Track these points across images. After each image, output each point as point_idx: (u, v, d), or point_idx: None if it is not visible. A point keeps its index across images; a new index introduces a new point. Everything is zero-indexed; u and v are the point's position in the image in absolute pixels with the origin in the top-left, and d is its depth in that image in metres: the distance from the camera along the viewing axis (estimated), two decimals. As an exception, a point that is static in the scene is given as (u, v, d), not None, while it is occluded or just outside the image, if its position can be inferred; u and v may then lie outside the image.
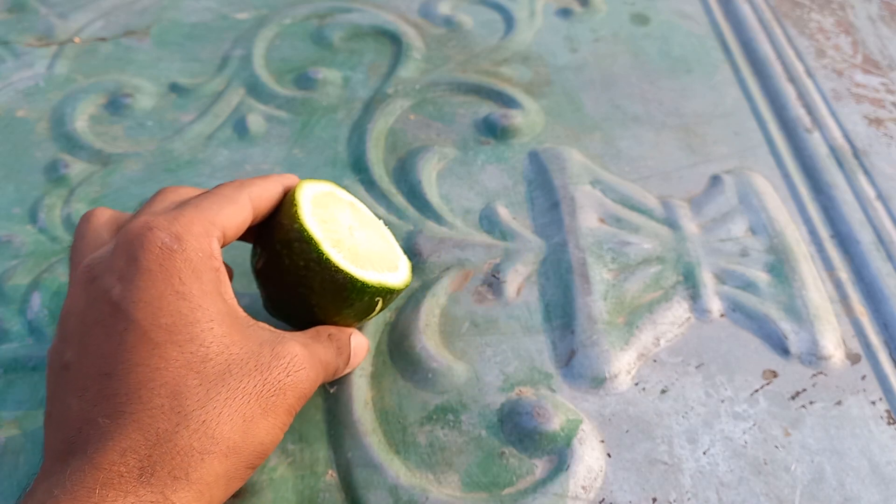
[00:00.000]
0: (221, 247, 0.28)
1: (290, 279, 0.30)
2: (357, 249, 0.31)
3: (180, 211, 0.28)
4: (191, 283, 0.26)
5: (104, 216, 0.30)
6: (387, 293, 0.32)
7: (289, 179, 0.32)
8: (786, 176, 0.45)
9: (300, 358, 0.28)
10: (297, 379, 0.27)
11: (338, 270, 0.30)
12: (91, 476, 0.23)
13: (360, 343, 0.34)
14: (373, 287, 0.31)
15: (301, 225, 0.30)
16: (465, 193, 0.43)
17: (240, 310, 0.28)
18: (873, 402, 0.34)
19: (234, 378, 0.26)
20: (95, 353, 0.25)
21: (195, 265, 0.26)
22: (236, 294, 0.29)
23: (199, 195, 0.30)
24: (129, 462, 0.23)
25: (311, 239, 0.29)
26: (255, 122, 0.47)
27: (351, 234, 0.32)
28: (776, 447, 0.33)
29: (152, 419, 0.24)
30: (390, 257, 0.33)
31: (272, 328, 0.29)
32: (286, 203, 0.31)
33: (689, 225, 0.41)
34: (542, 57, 0.53)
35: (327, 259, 0.29)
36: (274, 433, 0.27)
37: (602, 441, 0.33)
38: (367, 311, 0.32)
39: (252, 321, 0.28)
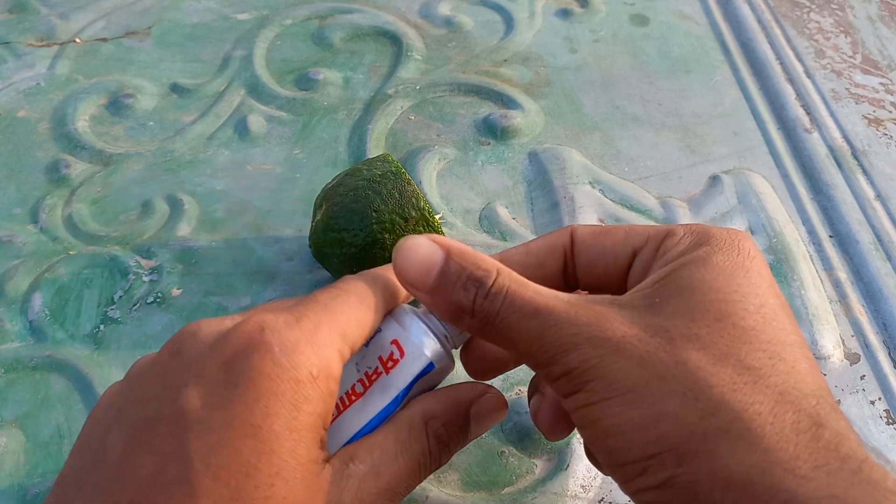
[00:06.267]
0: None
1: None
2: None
3: (303, 312, 0.23)
4: (278, 415, 0.21)
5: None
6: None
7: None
8: (785, 176, 0.45)
9: None
10: None
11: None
12: None
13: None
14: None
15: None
16: (465, 193, 0.43)
17: (321, 454, 0.22)
18: (872, 402, 0.34)
19: None
20: (115, 460, 0.21)
21: (297, 393, 0.21)
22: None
23: (326, 290, 0.24)
24: None
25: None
26: (256, 122, 0.47)
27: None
28: (775, 446, 0.33)
29: None
30: None
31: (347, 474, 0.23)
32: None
33: (689, 225, 0.42)
34: (541, 57, 0.53)
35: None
36: None
37: (601, 440, 0.33)
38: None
39: (328, 471, 0.22)
